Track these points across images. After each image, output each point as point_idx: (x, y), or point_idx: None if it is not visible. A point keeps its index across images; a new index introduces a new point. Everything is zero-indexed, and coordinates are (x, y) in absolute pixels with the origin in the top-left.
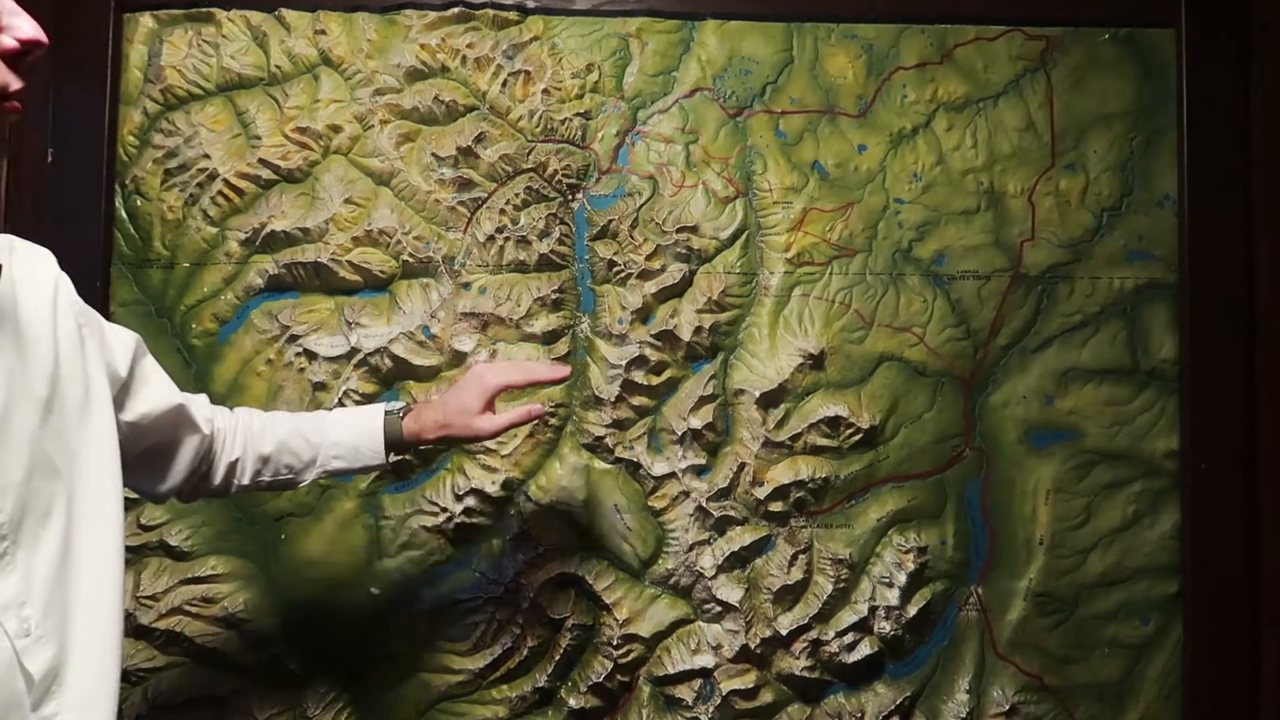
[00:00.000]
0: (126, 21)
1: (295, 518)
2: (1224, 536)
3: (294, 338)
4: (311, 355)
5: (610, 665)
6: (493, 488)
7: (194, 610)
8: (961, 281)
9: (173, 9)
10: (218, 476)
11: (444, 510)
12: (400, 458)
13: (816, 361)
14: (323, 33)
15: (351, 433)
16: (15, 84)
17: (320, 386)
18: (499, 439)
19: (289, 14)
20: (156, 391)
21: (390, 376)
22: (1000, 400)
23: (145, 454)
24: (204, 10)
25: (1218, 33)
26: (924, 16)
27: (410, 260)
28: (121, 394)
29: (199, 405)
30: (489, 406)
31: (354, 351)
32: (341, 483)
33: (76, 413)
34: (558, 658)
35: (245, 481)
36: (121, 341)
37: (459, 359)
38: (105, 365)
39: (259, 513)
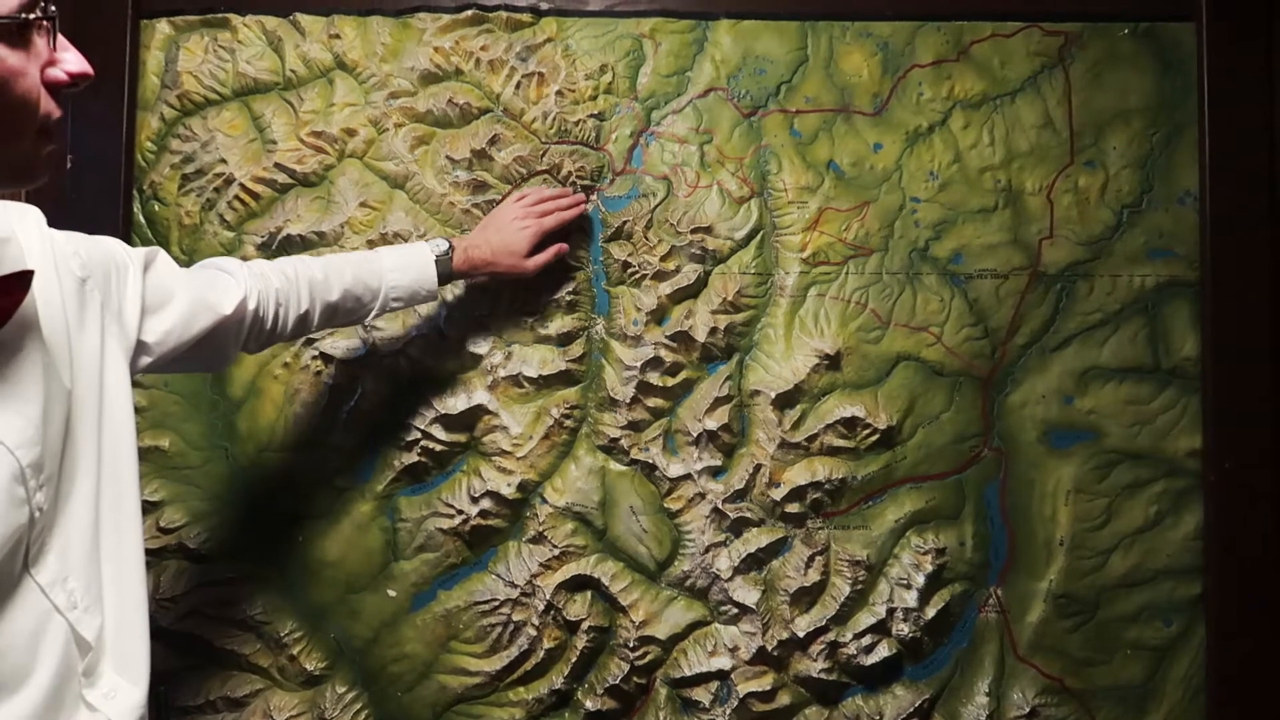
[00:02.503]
0: (144, 28)
1: (312, 520)
2: (1247, 537)
3: (311, 341)
4: (328, 358)
5: (627, 667)
6: (508, 490)
7: (212, 612)
8: (979, 280)
9: (189, 15)
10: (288, 328)
11: (460, 512)
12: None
13: (833, 362)
14: (337, 37)
15: (408, 276)
16: (57, 112)
17: (337, 390)
18: (515, 441)
19: (304, 19)
20: (174, 311)
21: (406, 379)
22: (1019, 400)
23: (189, 352)
24: (220, 16)
25: (1238, 26)
26: (940, 13)
27: None
28: (144, 319)
29: (230, 290)
30: (532, 248)
31: (370, 355)
32: (359, 486)
33: (94, 391)
34: (574, 660)
35: (314, 327)
36: (131, 288)
37: (474, 360)
38: (118, 325)
39: (276, 516)
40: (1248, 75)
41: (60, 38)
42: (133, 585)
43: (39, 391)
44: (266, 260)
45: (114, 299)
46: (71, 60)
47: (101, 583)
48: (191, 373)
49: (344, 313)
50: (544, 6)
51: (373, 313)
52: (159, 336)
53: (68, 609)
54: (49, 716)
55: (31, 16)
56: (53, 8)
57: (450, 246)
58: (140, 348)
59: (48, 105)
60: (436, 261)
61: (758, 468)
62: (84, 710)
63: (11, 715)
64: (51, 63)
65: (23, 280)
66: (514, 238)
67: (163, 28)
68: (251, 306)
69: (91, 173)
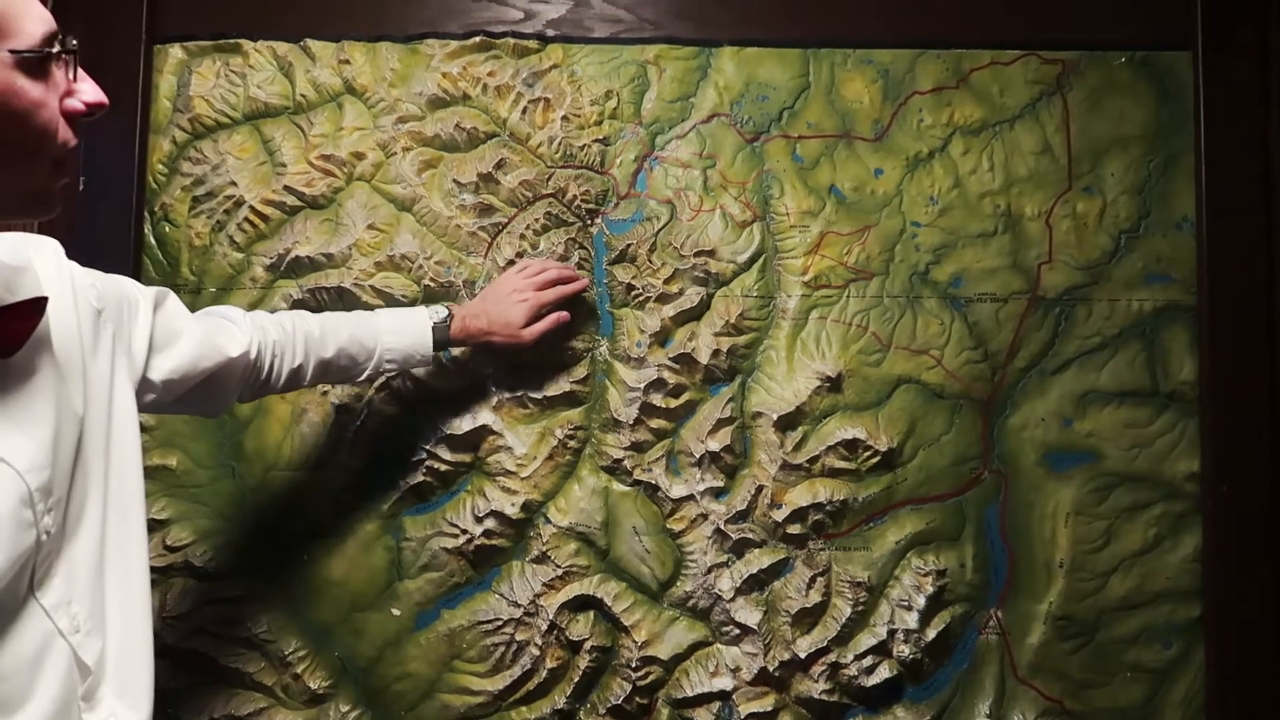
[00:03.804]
0: (157, 53)
1: (318, 539)
2: (1246, 559)
3: None
4: None
5: (629, 687)
6: (512, 510)
7: (217, 631)
8: (979, 304)
9: (201, 40)
10: (280, 381)
11: (464, 532)
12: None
13: (834, 384)
14: (347, 62)
15: (405, 340)
16: (73, 142)
17: (343, 410)
18: (519, 461)
19: (314, 44)
20: (180, 351)
21: (411, 399)
22: (1019, 423)
23: (190, 393)
24: (232, 41)
25: (1234, 55)
26: (939, 41)
27: (432, 285)
28: (151, 356)
29: (235, 336)
30: (530, 320)
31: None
32: (365, 506)
33: (104, 416)
34: (577, 679)
35: (306, 382)
36: (141, 325)
37: (480, 381)
38: (127, 359)
39: (282, 534)
40: (1243, 103)
41: (78, 69)
42: (137, 611)
43: (51, 415)
44: (266, 313)
45: (125, 332)
46: (88, 91)
47: (105, 607)
48: (188, 414)
49: (337, 370)
50: (550, 33)
51: (365, 373)
52: (165, 375)
53: (70, 632)
54: None
55: (54, 50)
56: (74, 41)
57: (449, 314)
58: (145, 384)
59: (65, 135)
60: (434, 329)
61: (759, 489)
62: None
63: None
64: (69, 93)
65: (37, 306)
66: (511, 310)
67: (175, 52)
68: (252, 355)
69: (104, 194)
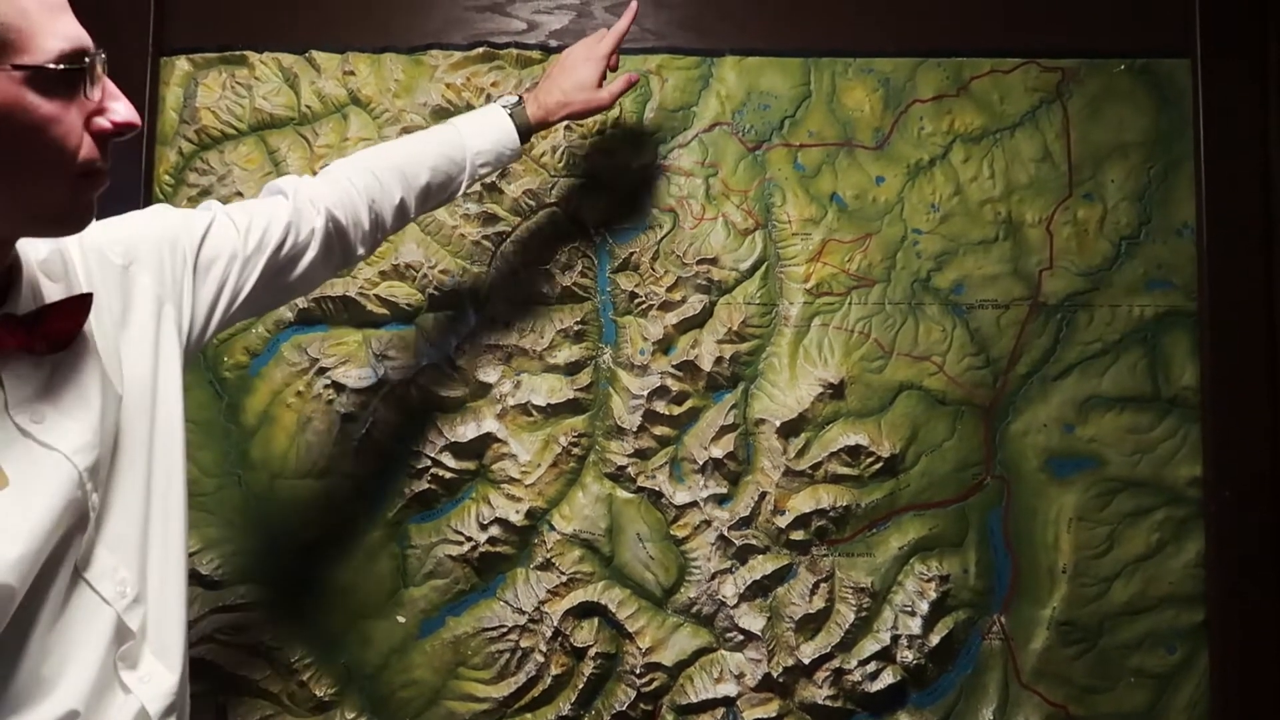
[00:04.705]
0: (163, 65)
1: (324, 547)
2: (1249, 564)
3: (323, 370)
4: (340, 387)
5: (633, 694)
6: (517, 517)
7: (223, 639)
8: (980, 310)
9: (208, 53)
10: (389, 222)
11: (469, 539)
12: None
13: (836, 391)
14: (352, 73)
15: (490, 139)
16: (97, 158)
17: (349, 418)
18: (523, 469)
19: (319, 56)
20: (230, 286)
21: (417, 407)
22: (1020, 429)
23: (273, 293)
24: (238, 53)
25: (1233, 62)
26: (940, 50)
27: (436, 294)
28: (198, 291)
29: (276, 235)
30: (602, 78)
31: (381, 383)
32: (370, 513)
33: (148, 381)
34: (581, 686)
35: (413, 214)
36: (187, 269)
37: (483, 390)
38: (174, 307)
39: (288, 543)
40: (1242, 110)
41: (111, 86)
42: (175, 573)
43: (96, 396)
44: (344, 160)
45: (169, 276)
46: (120, 110)
47: (147, 572)
48: (281, 305)
49: (436, 190)
50: (553, 44)
51: (464, 185)
52: (225, 300)
53: (116, 599)
54: (91, 702)
55: (71, 67)
56: (102, 56)
57: (520, 99)
58: (208, 314)
59: (89, 152)
60: (512, 115)
61: (763, 495)
62: (119, 692)
63: (55, 708)
64: (100, 111)
65: (84, 303)
66: (581, 72)
67: (182, 65)
68: (319, 224)
69: (111, 205)
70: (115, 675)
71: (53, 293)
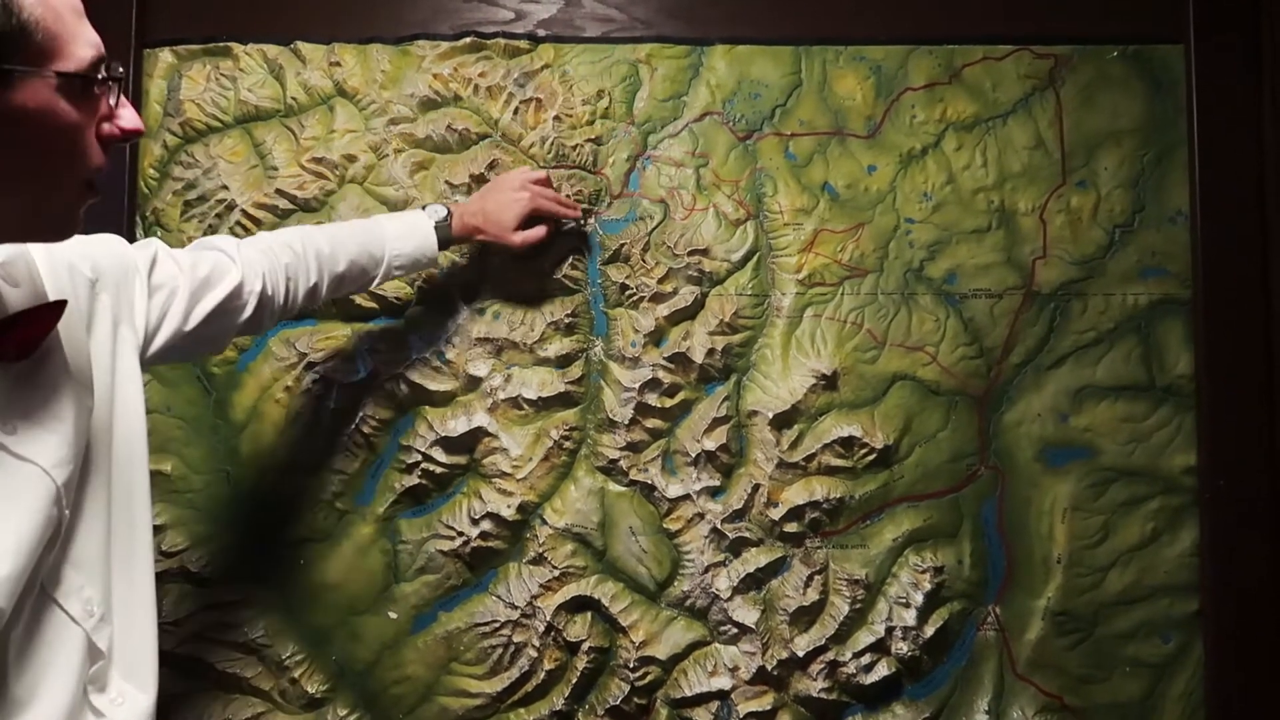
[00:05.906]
0: (147, 57)
1: (314, 543)
2: (1244, 553)
3: (311, 365)
4: (329, 382)
5: (627, 688)
6: (508, 511)
7: (214, 636)
8: (974, 300)
9: (192, 44)
10: (298, 302)
11: (460, 534)
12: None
13: (829, 382)
14: (337, 65)
15: (412, 244)
16: (103, 164)
17: (338, 413)
18: (515, 463)
19: (304, 47)
20: (178, 303)
21: (406, 402)
22: (1015, 418)
23: (191, 336)
24: (222, 45)
25: (1227, 48)
26: (931, 37)
27: (425, 287)
28: (150, 314)
29: (229, 273)
30: (520, 225)
31: (371, 378)
32: (360, 509)
33: (107, 395)
34: (575, 680)
35: (322, 298)
36: (139, 288)
37: (474, 384)
38: (129, 328)
39: (278, 539)
40: (1236, 96)
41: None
42: (142, 592)
43: (69, 408)
44: (271, 235)
45: (126, 301)
46: (127, 118)
47: (113, 591)
48: (190, 360)
49: (350, 281)
50: (541, 33)
51: (376, 280)
52: (164, 341)
53: (84, 618)
54: None
55: (99, 75)
56: (119, 68)
57: (449, 213)
58: (149, 355)
59: (97, 158)
60: (436, 228)
61: (756, 488)
62: (90, 716)
63: None
64: (108, 117)
65: (55, 310)
66: (506, 208)
67: (166, 56)
68: (257, 287)
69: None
70: (86, 700)
71: (14, 298)
